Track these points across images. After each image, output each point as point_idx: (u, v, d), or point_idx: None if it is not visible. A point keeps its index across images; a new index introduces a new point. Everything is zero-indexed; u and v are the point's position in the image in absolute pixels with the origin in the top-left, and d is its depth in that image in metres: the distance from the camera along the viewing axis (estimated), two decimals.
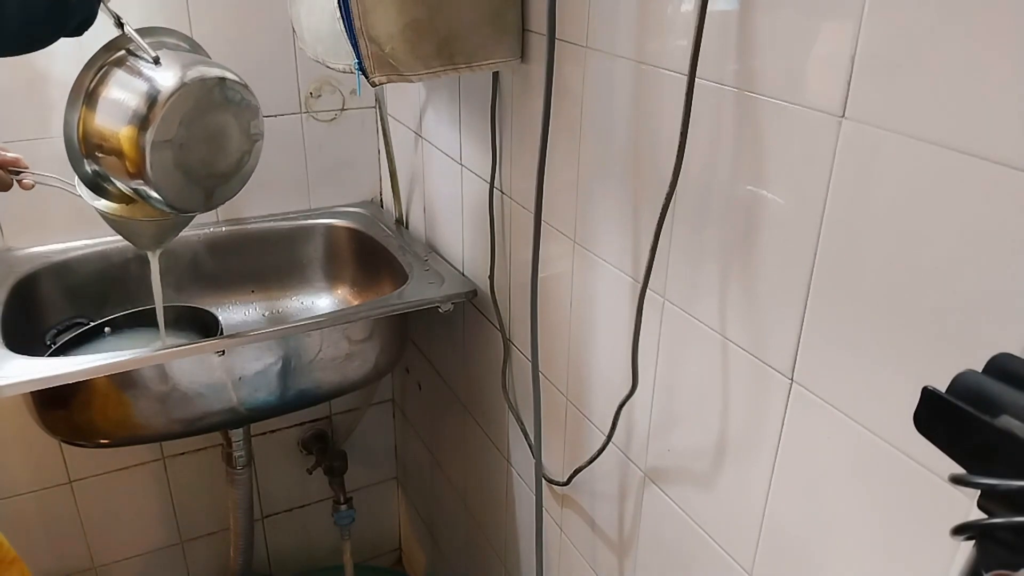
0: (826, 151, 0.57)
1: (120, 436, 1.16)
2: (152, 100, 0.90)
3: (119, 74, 0.94)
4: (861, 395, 0.59)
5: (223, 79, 0.94)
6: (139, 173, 0.91)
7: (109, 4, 0.89)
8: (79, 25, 0.83)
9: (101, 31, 0.91)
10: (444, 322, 1.35)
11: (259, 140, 1.00)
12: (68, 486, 1.42)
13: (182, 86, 0.90)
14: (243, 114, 0.97)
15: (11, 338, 1.04)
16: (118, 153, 0.92)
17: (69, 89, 0.93)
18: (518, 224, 1.04)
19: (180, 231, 1.10)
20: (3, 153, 0.97)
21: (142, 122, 0.89)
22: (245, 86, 0.96)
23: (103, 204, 1.01)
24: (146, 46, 0.93)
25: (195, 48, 1.03)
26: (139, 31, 0.94)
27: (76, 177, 0.98)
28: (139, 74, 0.93)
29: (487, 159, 1.07)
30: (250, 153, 0.99)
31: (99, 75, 0.94)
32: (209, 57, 1.03)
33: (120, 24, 0.92)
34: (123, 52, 0.95)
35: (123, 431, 1.13)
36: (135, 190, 0.95)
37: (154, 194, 0.93)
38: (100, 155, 0.95)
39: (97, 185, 0.99)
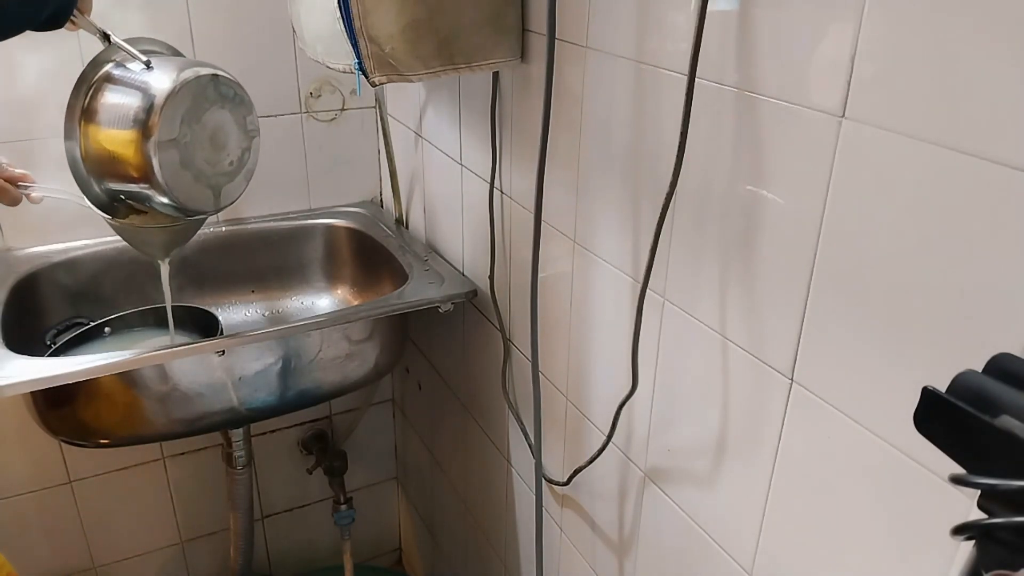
0: (826, 151, 0.57)
1: (120, 436, 1.16)
2: (151, 102, 0.90)
3: (110, 88, 0.94)
4: (861, 395, 0.59)
5: (216, 75, 0.95)
6: (147, 177, 0.92)
7: (91, 18, 0.90)
8: (52, 17, 0.82)
9: (86, 49, 0.92)
10: (444, 322, 1.35)
11: (256, 136, 1.01)
12: (68, 486, 1.42)
13: (179, 85, 0.91)
14: (239, 110, 0.98)
15: (11, 338, 1.04)
16: (125, 162, 0.92)
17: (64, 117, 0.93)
18: (518, 224, 1.04)
19: (189, 238, 1.11)
20: (11, 169, 0.97)
21: (144, 125, 0.90)
22: (237, 82, 0.97)
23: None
24: (136, 52, 0.94)
25: (177, 55, 1.04)
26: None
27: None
28: (132, 82, 0.93)
29: (487, 159, 1.07)
30: (250, 150, 1.01)
31: (90, 94, 0.94)
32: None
33: (106, 36, 0.93)
34: (110, 65, 0.95)
35: (123, 431, 1.13)
36: (146, 198, 0.95)
37: (164, 199, 0.94)
38: (107, 171, 0.95)
39: (108, 204, 1.00)
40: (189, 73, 0.93)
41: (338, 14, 0.85)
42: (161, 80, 0.92)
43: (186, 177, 0.94)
